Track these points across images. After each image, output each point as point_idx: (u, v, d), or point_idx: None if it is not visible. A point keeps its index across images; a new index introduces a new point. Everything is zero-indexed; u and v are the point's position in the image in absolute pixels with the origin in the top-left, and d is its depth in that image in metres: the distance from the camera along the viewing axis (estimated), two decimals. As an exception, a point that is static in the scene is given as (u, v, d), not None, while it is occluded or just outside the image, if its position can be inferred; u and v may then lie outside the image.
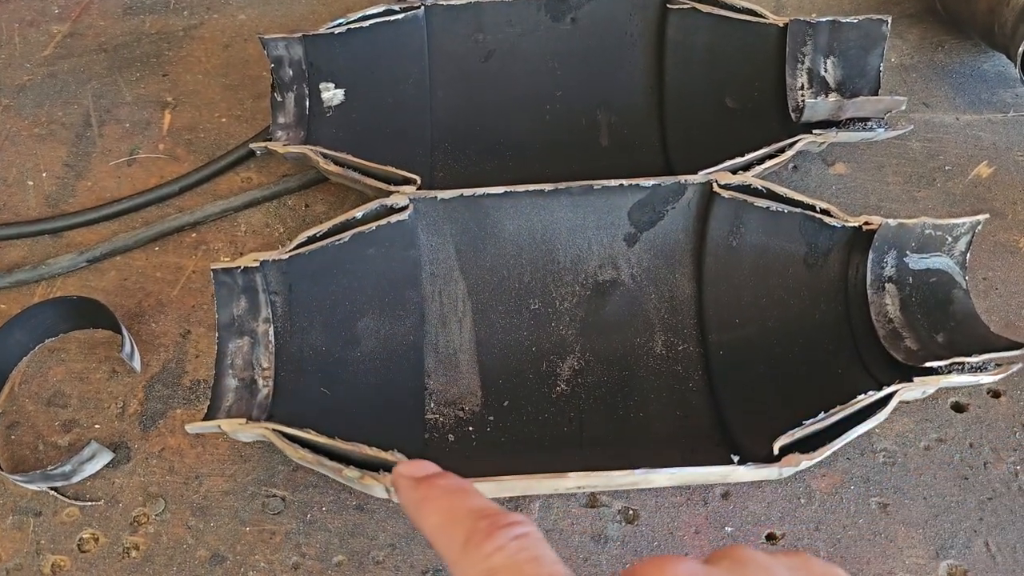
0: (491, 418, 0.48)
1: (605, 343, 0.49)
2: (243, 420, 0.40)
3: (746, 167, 0.50)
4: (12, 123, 0.62)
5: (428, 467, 0.30)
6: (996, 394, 0.48)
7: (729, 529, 0.44)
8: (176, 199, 0.58)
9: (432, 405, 0.48)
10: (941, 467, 0.46)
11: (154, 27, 0.68)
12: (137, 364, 0.50)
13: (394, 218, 0.46)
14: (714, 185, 0.47)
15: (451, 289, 0.50)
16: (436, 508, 0.27)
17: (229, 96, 0.63)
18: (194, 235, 0.56)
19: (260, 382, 0.45)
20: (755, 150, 0.50)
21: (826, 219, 0.45)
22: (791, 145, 0.51)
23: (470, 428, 0.47)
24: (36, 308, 0.50)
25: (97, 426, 0.48)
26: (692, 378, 0.49)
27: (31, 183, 0.59)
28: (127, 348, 0.48)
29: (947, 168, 0.58)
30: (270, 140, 0.54)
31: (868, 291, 0.45)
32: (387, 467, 0.39)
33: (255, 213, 0.57)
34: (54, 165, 0.60)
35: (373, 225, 0.46)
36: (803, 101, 0.54)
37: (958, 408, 0.48)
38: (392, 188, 0.49)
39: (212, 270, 0.44)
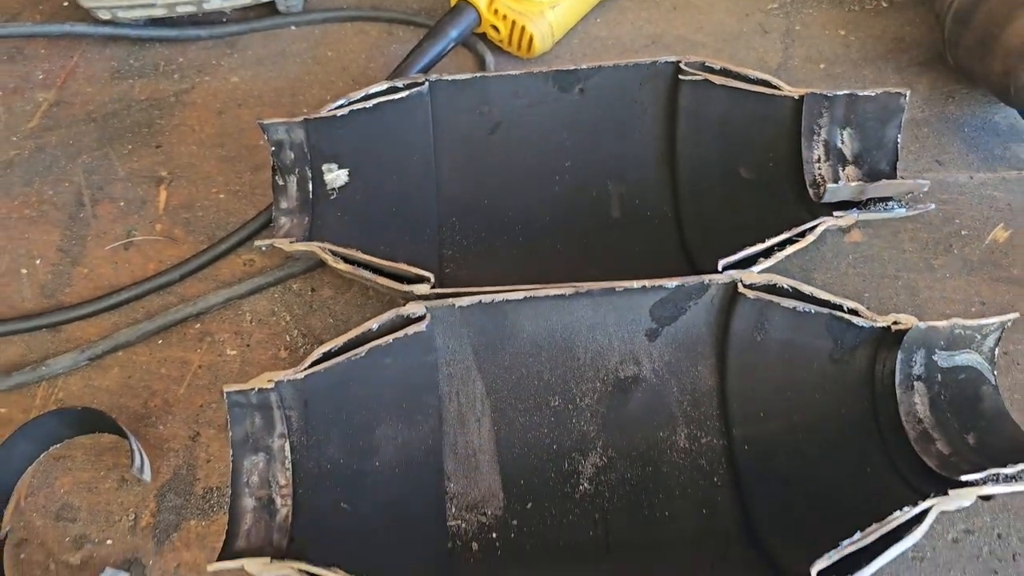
0: (514, 522, 0.47)
1: (628, 438, 0.48)
2: (267, 560, 0.39)
3: (767, 251, 0.49)
4: (1, 204, 0.59)
5: None
6: (1023, 481, 0.48)
7: (761, 637, 0.44)
8: (177, 285, 0.56)
9: (453, 510, 0.47)
10: (970, 561, 0.46)
11: (143, 92, 0.65)
12: (147, 474, 0.48)
13: (411, 329, 0.45)
14: (739, 285, 0.46)
15: (469, 389, 0.49)
16: None
17: (226, 169, 0.61)
18: (198, 326, 0.54)
19: (278, 501, 0.43)
20: (773, 228, 0.49)
21: (854, 319, 0.45)
22: (812, 229, 0.49)
23: (493, 535, 0.46)
24: (38, 421, 0.48)
25: (109, 541, 0.47)
26: (717, 472, 0.48)
27: (25, 271, 0.57)
28: (137, 462, 0.46)
29: (963, 233, 0.57)
30: (272, 224, 0.52)
31: (897, 391, 0.44)
32: None
33: (260, 300, 0.55)
34: (48, 251, 0.57)
35: (390, 338, 0.44)
36: (820, 175, 0.53)
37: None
38: (404, 287, 0.48)
39: (225, 392, 0.42)
